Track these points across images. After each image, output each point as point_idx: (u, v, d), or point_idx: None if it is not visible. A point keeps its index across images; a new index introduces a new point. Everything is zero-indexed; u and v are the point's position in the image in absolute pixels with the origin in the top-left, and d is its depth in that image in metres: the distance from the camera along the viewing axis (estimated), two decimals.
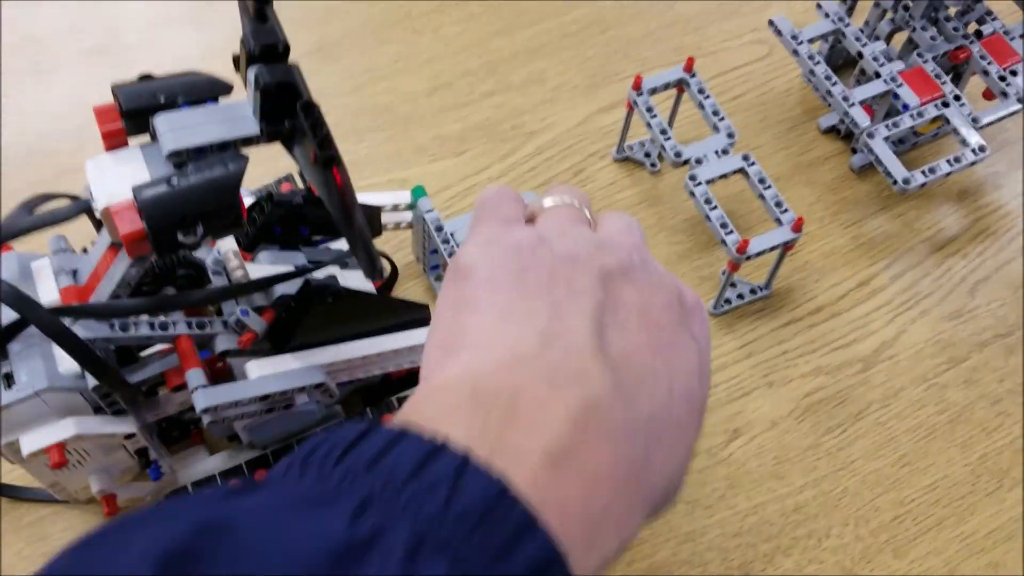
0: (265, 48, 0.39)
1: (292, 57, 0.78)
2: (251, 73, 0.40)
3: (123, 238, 0.40)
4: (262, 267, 0.52)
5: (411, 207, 0.59)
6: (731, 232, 0.59)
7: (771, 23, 0.65)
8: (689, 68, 0.64)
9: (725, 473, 0.59)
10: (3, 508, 0.55)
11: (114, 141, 0.42)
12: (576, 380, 0.28)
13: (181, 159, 0.41)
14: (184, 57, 0.73)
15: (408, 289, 0.64)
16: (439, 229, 0.57)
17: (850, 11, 0.69)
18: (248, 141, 0.41)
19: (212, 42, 0.73)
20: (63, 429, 0.46)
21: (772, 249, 0.59)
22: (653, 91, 0.64)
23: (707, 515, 0.58)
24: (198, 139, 0.40)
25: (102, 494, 0.51)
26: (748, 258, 0.59)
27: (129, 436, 0.49)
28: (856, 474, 0.59)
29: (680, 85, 0.65)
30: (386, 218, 0.59)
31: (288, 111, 0.40)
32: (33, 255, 0.49)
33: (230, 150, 0.41)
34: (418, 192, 0.58)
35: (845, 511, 0.58)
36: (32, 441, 0.46)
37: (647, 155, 0.70)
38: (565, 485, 0.26)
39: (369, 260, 0.41)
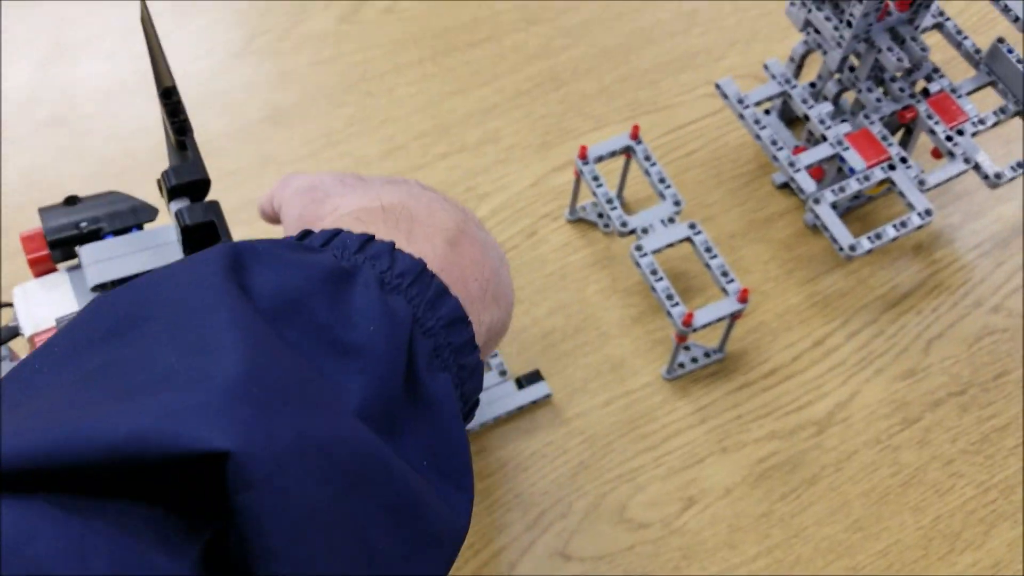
0: (185, 185, 0.40)
1: (246, 123, 0.78)
2: (174, 207, 0.40)
3: None
4: None
5: None
6: (676, 304, 0.59)
7: (717, 87, 0.65)
8: (635, 135, 0.64)
9: (679, 544, 0.60)
10: None
11: (41, 267, 0.43)
12: (449, 207, 0.39)
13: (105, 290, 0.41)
14: (140, 127, 0.74)
15: None
16: None
17: (798, 70, 0.69)
18: None
19: None
20: None
21: (718, 320, 0.59)
22: (599, 159, 0.64)
23: None
24: (121, 271, 0.41)
25: None
26: (695, 330, 0.59)
27: None
28: (809, 541, 0.60)
29: (627, 152, 0.65)
30: None
31: (210, 244, 0.40)
32: None
33: None
34: None
35: None
36: None
37: (600, 215, 0.70)
38: (460, 261, 0.36)
39: None
